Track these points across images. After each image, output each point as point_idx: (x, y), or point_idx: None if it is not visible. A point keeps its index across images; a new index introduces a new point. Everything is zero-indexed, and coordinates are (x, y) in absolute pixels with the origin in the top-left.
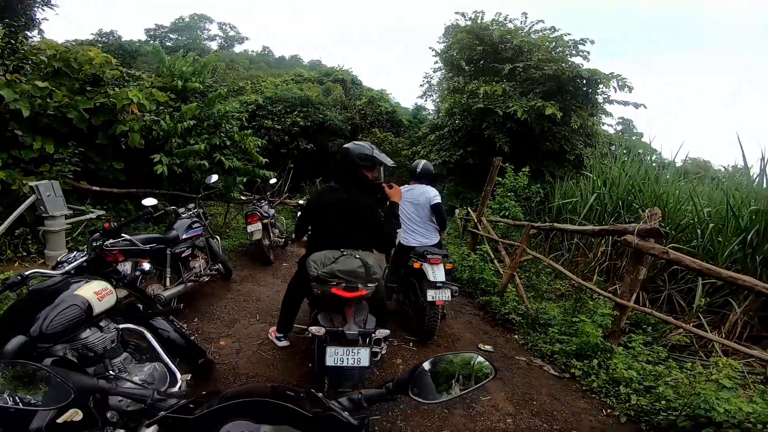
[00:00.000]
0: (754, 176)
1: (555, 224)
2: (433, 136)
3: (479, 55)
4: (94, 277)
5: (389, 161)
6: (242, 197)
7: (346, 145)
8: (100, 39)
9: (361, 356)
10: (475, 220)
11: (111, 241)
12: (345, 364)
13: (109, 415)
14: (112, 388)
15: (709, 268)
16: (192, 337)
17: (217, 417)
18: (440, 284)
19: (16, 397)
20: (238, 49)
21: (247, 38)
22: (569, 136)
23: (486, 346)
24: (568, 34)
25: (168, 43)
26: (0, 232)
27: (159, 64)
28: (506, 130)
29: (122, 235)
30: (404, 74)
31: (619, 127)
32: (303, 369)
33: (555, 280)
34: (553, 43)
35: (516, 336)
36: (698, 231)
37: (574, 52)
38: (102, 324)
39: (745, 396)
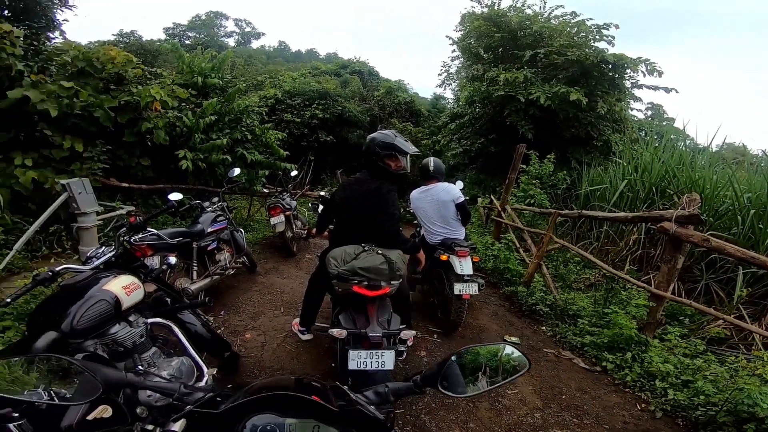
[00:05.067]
0: None
1: (583, 211)
2: (453, 125)
3: (497, 42)
4: (122, 272)
5: (411, 148)
6: (265, 190)
7: (371, 135)
8: (121, 39)
9: (386, 359)
10: (499, 209)
11: (139, 235)
12: (368, 367)
13: (138, 410)
14: (140, 382)
15: (753, 257)
16: (218, 331)
17: (243, 410)
18: (467, 277)
19: (51, 392)
20: (255, 44)
21: (263, 34)
22: (596, 122)
23: (512, 338)
24: (590, 18)
25: (187, 41)
26: (33, 230)
27: (179, 62)
28: (529, 117)
29: (149, 229)
30: (421, 64)
31: (649, 113)
32: (327, 363)
33: (584, 269)
34: (575, 29)
35: (543, 327)
36: (738, 218)
37: (597, 36)
38: (131, 318)
39: None
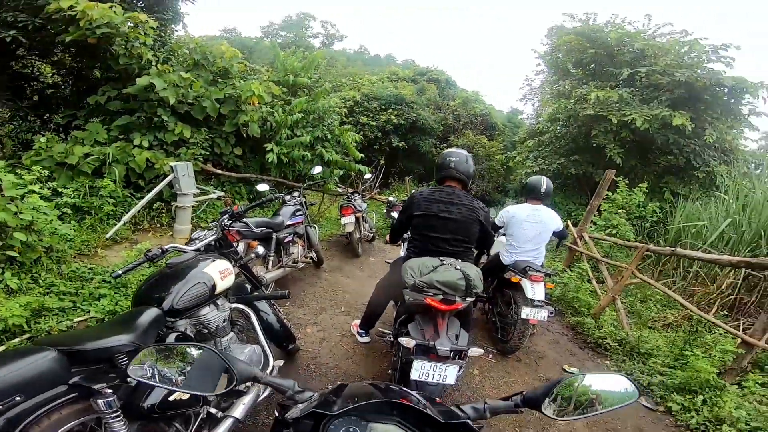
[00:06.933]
0: None
1: (678, 249)
2: (531, 142)
3: (590, 58)
4: (219, 257)
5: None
6: (338, 189)
7: (449, 150)
8: (225, 35)
9: (449, 373)
10: (575, 236)
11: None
12: (430, 379)
13: None
14: (263, 377)
15: None
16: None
17: (348, 414)
18: (538, 303)
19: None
20: (337, 46)
21: (345, 36)
22: (700, 151)
23: (571, 369)
24: (705, 38)
25: (279, 40)
26: (141, 206)
27: (273, 59)
28: (619, 139)
29: None
30: (498, 76)
31: (763, 142)
32: (381, 367)
33: (664, 309)
34: (686, 47)
35: (608, 362)
36: None
37: (713, 58)
38: (219, 302)
39: None
